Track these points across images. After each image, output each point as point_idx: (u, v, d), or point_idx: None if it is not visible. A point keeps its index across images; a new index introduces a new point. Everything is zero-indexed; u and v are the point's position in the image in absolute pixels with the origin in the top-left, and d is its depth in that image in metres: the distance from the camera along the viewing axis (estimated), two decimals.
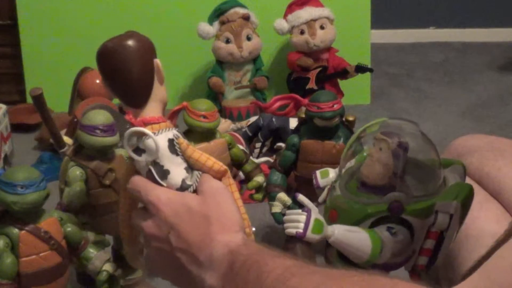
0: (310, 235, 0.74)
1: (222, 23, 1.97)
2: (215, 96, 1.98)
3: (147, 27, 2.11)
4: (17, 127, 1.88)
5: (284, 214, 1.08)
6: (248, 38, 1.98)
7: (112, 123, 1.05)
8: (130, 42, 0.68)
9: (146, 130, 0.68)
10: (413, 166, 0.80)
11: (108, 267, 1.02)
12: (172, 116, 1.12)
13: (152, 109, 0.70)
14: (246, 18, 1.99)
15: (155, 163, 0.69)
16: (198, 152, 0.71)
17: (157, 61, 0.69)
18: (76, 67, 1.86)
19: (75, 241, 0.99)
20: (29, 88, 1.81)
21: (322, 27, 2.00)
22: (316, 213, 0.76)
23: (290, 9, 2.04)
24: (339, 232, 0.75)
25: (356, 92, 2.13)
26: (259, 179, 1.23)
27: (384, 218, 0.77)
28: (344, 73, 1.99)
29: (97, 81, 1.81)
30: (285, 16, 2.03)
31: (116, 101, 1.76)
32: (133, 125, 0.69)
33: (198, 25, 1.98)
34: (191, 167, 0.71)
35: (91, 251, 1.01)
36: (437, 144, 0.85)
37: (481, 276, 0.71)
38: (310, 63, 2.00)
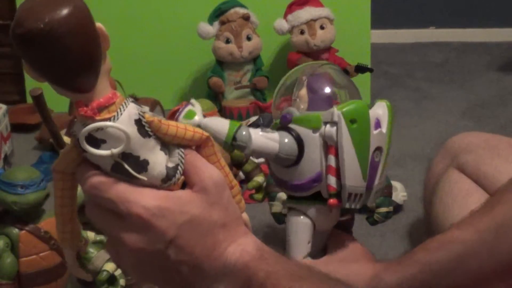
0: (182, 119, 0.84)
1: (222, 23, 1.97)
2: (215, 96, 1.98)
3: (147, 27, 2.11)
4: (17, 127, 1.87)
5: (284, 215, 1.08)
6: (248, 38, 1.98)
7: None
8: (66, 12, 0.50)
9: (107, 123, 0.54)
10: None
11: (108, 266, 1.02)
12: (172, 116, 1.12)
13: (103, 86, 0.55)
14: (246, 18, 1.99)
15: (127, 156, 0.56)
16: (173, 124, 0.58)
17: (99, 24, 0.54)
18: None
19: None
20: (29, 88, 1.81)
21: (322, 27, 2.00)
22: (193, 106, 0.84)
23: (290, 9, 2.03)
24: (203, 119, 0.83)
25: None
26: (259, 179, 1.23)
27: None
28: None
29: None
30: (285, 16, 2.03)
31: None
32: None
33: (198, 25, 1.98)
34: (166, 143, 0.59)
35: (91, 251, 1.01)
36: (437, 144, 0.85)
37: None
38: None
